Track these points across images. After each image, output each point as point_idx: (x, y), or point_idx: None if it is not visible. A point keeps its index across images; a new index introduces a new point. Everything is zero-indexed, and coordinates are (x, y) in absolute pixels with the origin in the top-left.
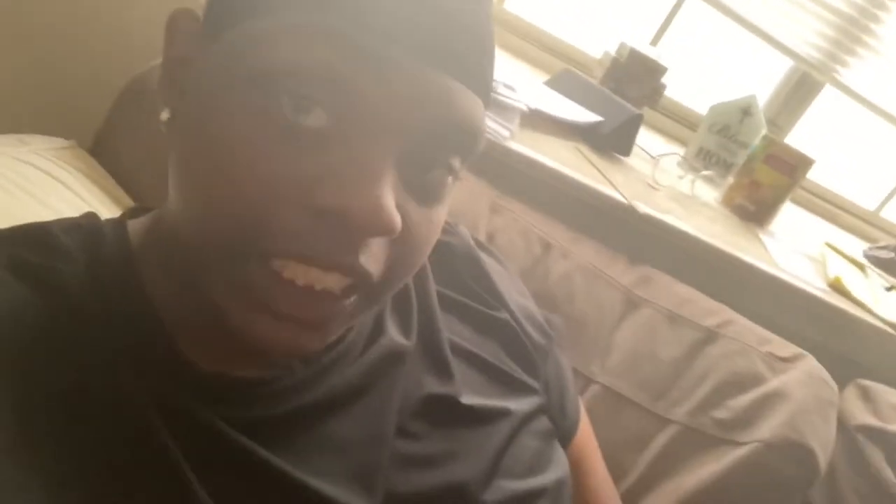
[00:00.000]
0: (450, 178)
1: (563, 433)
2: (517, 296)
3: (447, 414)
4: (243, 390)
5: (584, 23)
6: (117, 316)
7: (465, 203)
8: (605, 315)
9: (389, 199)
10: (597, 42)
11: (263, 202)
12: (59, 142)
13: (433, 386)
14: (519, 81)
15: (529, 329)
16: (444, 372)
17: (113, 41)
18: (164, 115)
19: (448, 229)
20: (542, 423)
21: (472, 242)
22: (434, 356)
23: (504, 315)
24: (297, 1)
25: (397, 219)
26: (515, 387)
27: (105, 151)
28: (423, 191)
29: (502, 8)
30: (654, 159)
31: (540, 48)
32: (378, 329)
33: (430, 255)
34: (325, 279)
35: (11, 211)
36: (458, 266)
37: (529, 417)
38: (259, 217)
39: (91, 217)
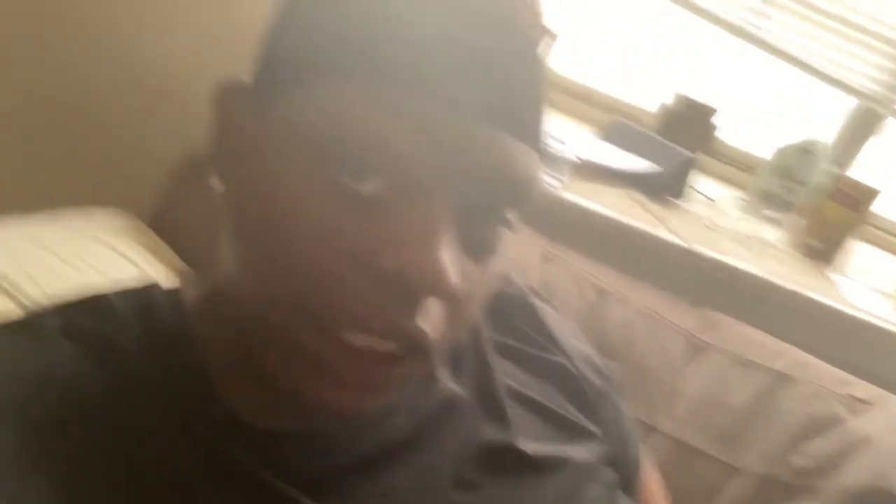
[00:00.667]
0: (505, 231)
1: (627, 483)
2: (573, 339)
3: (505, 462)
4: (297, 445)
5: (633, 76)
6: (170, 379)
7: (515, 252)
8: (668, 361)
9: (449, 259)
10: (646, 93)
11: (326, 270)
12: (119, 215)
13: (490, 433)
14: (569, 135)
15: (587, 372)
16: (500, 418)
17: (173, 113)
18: (217, 185)
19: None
20: (606, 472)
21: (525, 289)
22: (489, 403)
23: (560, 359)
24: (353, 70)
25: (456, 278)
26: (576, 433)
27: (165, 224)
28: (480, 246)
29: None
30: (712, 201)
31: (590, 105)
32: (431, 378)
33: None
34: (385, 344)
35: (73, 284)
36: (512, 311)
37: (592, 466)
38: (322, 285)
39: (147, 284)
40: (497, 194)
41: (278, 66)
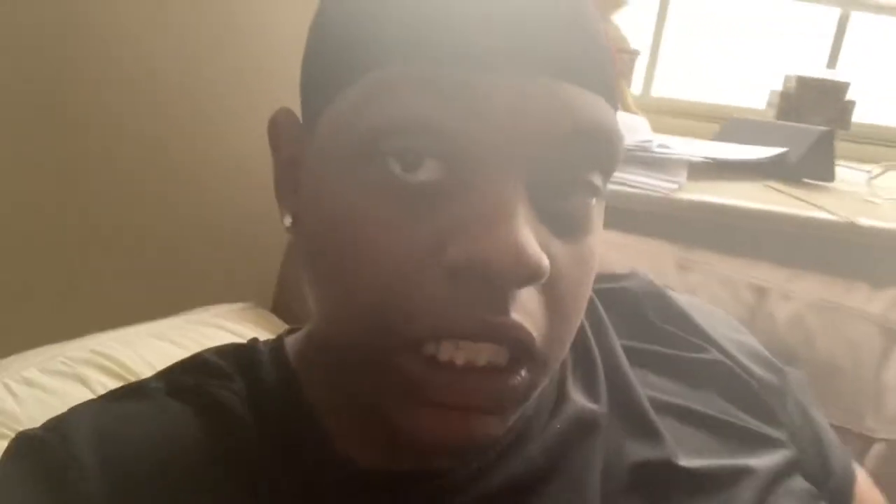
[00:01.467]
0: (594, 200)
1: (834, 495)
2: (728, 331)
3: (664, 482)
4: (416, 487)
5: (738, 80)
6: (277, 426)
7: (646, 267)
8: (862, 355)
9: (529, 238)
10: (756, 94)
11: (395, 278)
12: (239, 305)
13: (640, 452)
14: (679, 143)
15: (752, 367)
16: (649, 433)
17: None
18: (287, 221)
19: (622, 275)
20: (798, 482)
21: (652, 279)
22: (634, 417)
23: (712, 355)
24: (383, 58)
25: (543, 259)
26: (749, 440)
27: (284, 307)
28: (567, 222)
29: (650, 95)
30: (869, 174)
31: (698, 119)
32: (561, 397)
33: (606, 304)
34: (480, 351)
35: None
36: (642, 310)
37: (778, 476)
38: (395, 296)
39: (246, 341)
40: (569, 153)
41: (315, 81)
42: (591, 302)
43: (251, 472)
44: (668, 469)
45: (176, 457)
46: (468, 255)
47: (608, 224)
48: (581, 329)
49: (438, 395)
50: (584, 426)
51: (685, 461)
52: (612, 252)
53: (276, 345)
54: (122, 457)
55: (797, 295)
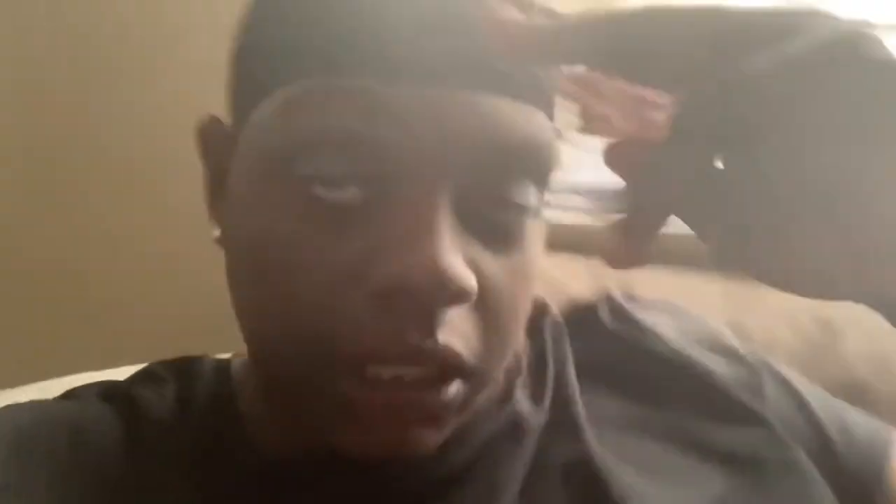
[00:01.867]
0: (528, 214)
1: (853, 468)
2: (697, 334)
3: (593, 487)
4: (331, 484)
5: None
6: (202, 429)
7: (695, 305)
8: None
9: (452, 257)
10: None
11: (318, 302)
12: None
13: (567, 455)
14: None
15: (722, 369)
16: (576, 436)
17: None
18: (216, 233)
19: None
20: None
21: (617, 296)
22: (568, 428)
23: (677, 370)
24: (297, 71)
25: (466, 277)
26: (708, 451)
27: None
28: (500, 236)
29: None
30: None
31: None
32: (506, 395)
33: (569, 321)
34: (411, 371)
35: None
36: (600, 328)
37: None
38: (318, 320)
39: (195, 355)
40: (494, 165)
41: (237, 87)
42: (555, 318)
43: (164, 470)
44: (587, 468)
45: (87, 454)
46: (389, 277)
47: (660, 261)
48: (540, 335)
49: (367, 411)
50: (515, 431)
51: (612, 464)
52: (660, 293)
53: (223, 360)
54: (34, 453)
55: (867, 324)
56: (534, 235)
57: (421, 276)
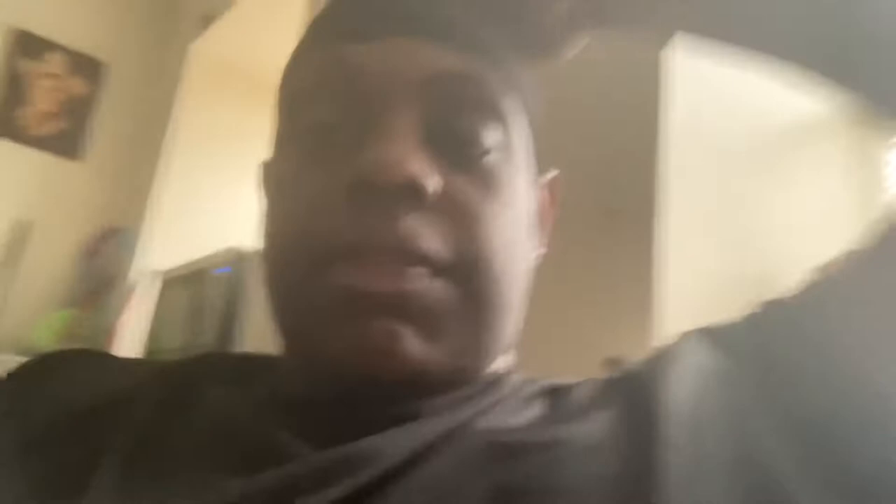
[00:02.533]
0: (490, 152)
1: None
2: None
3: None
4: (318, 410)
5: None
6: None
7: None
8: None
9: (413, 159)
10: None
11: (309, 209)
12: None
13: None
14: None
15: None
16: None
17: None
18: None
19: None
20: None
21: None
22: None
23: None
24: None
25: (425, 175)
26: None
27: None
28: (465, 160)
29: None
30: None
31: None
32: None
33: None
34: (377, 277)
35: None
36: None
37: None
38: (310, 224)
39: None
40: (440, 94)
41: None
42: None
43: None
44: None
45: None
46: (359, 173)
47: None
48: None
49: (351, 304)
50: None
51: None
52: None
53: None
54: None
55: None
56: (502, 167)
57: (385, 171)
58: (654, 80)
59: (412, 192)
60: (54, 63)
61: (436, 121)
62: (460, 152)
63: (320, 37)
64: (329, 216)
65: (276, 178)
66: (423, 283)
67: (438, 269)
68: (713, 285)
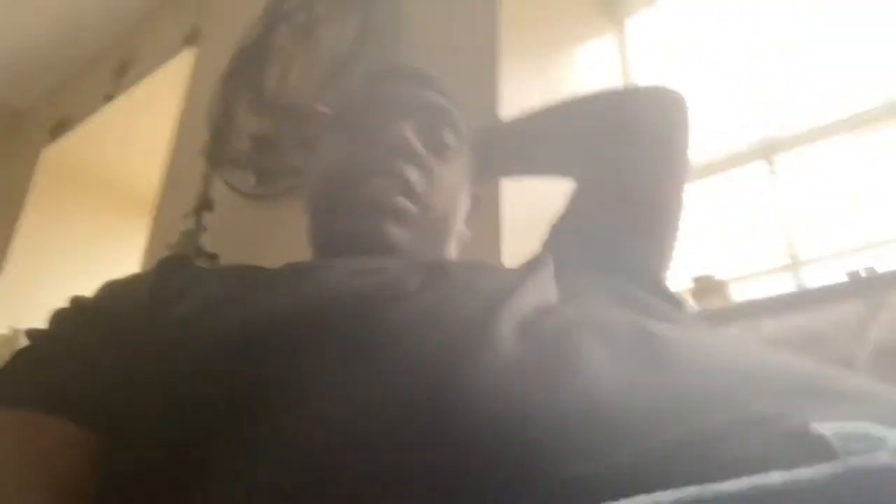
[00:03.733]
0: (452, 150)
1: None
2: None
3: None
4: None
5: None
6: None
7: None
8: None
9: (412, 136)
10: None
11: (352, 170)
12: None
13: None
14: None
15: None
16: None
17: None
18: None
19: None
20: None
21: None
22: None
23: None
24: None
25: (417, 143)
26: None
27: None
28: (438, 152)
29: None
30: None
31: None
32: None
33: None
34: (389, 184)
35: None
36: None
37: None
38: (348, 175)
39: None
40: (427, 114)
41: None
42: None
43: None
44: None
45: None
46: (384, 141)
47: None
48: None
49: (363, 205)
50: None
51: None
52: None
53: None
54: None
55: None
56: (455, 157)
57: (394, 136)
58: None
59: (412, 152)
60: None
61: (426, 127)
62: (436, 146)
63: (367, 81)
64: (361, 158)
65: (326, 146)
66: (400, 201)
67: (414, 197)
68: None
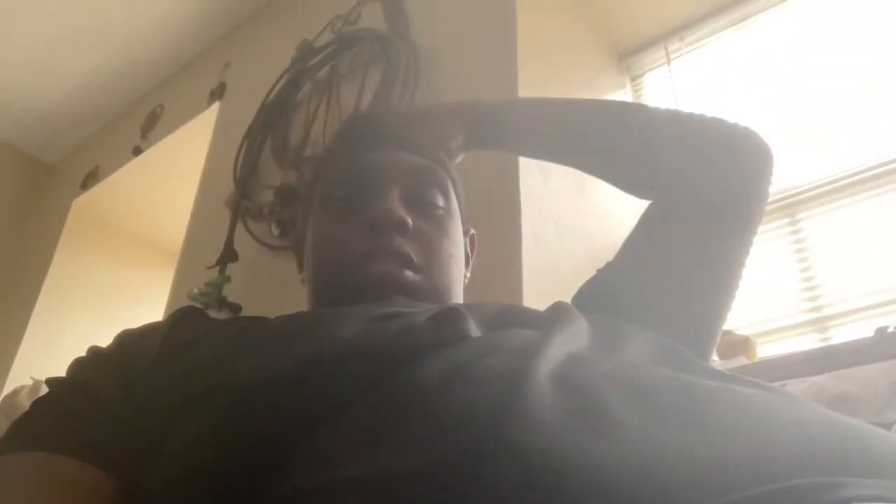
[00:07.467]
0: (440, 209)
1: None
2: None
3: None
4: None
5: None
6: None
7: None
8: None
9: (398, 209)
10: None
11: (343, 248)
12: None
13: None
14: None
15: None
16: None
17: None
18: (301, 276)
19: None
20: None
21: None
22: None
23: None
24: (318, 177)
25: (405, 217)
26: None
27: None
28: (427, 214)
29: None
30: None
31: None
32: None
33: None
34: (386, 265)
35: None
36: None
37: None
38: (344, 256)
39: None
40: (413, 178)
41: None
42: None
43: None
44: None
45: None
46: (369, 217)
47: None
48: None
49: (369, 281)
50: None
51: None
52: None
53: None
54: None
55: None
56: (449, 219)
57: (382, 214)
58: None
59: (400, 226)
60: None
61: (411, 192)
62: (424, 209)
63: (341, 150)
64: (355, 241)
65: (317, 228)
66: (408, 274)
67: (414, 268)
68: None
